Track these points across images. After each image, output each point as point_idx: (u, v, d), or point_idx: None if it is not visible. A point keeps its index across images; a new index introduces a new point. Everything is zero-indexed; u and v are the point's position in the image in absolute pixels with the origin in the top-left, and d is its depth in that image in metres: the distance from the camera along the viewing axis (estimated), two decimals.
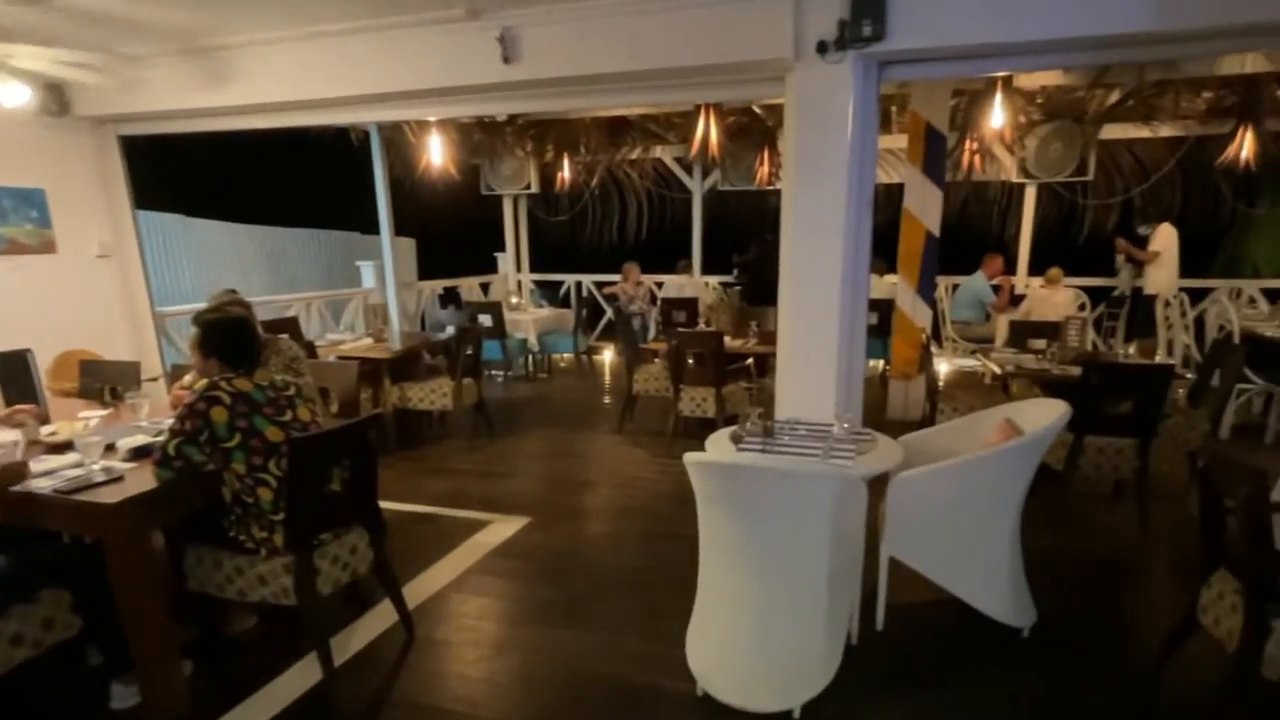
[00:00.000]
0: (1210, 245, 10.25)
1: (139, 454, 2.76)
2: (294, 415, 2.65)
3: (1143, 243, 7.34)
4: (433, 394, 5.54)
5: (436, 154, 7.81)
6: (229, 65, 4.70)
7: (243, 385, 2.56)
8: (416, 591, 3.41)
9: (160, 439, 2.57)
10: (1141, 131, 7.31)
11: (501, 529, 4.15)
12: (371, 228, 7.54)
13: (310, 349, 5.17)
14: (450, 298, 8.91)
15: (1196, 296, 7.19)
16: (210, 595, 2.71)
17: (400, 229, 7.56)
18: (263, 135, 5.35)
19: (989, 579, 2.94)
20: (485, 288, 9.85)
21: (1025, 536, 3.02)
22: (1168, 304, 7.01)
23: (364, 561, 2.88)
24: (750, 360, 5.88)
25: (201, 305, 3.27)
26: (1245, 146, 6.60)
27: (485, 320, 7.44)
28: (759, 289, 8.04)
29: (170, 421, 2.61)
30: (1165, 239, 7.14)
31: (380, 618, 3.16)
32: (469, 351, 5.57)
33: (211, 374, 2.62)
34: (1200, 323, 7.04)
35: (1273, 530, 2.18)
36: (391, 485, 4.65)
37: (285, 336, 3.95)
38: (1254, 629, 2.16)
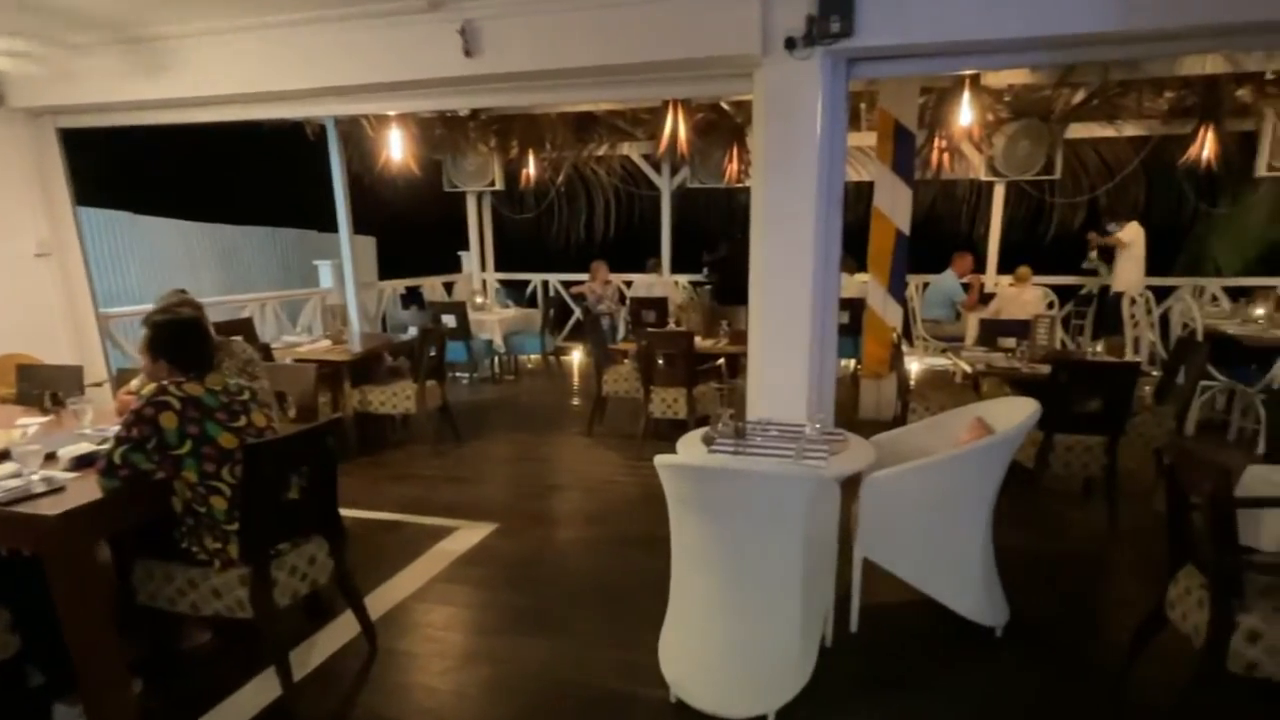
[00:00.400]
0: (1173, 244, 10.57)
1: (82, 463, 2.68)
2: (248, 421, 2.60)
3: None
4: (395, 397, 5.47)
5: (397, 149, 7.72)
6: (175, 56, 4.58)
7: (193, 389, 2.49)
8: (380, 602, 3.36)
9: (105, 447, 2.50)
10: (1106, 131, 7.52)
11: (468, 535, 4.11)
12: (329, 225, 7.43)
13: (266, 351, 5.06)
14: (412, 298, 8.82)
15: (1161, 295, 7.41)
16: (161, 610, 2.64)
17: (360, 227, 7.46)
18: (214, 129, 5.23)
19: (962, 578, 2.99)
20: (449, 287, 9.76)
21: (997, 535, 3.07)
22: (1134, 302, 7.20)
23: (324, 572, 2.83)
24: (721, 360, 5.91)
25: (149, 307, 3.18)
26: (1206, 146, 6.81)
27: (449, 321, 7.37)
28: (729, 288, 8.07)
29: (116, 428, 2.54)
30: (1133, 232, 7.34)
31: (342, 630, 3.10)
32: (432, 353, 5.51)
33: (160, 378, 2.55)
34: (1165, 320, 7.25)
35: (1236, 526, 2.25)
36: (353, 492, 4.58)
37: (239, 339, 3.87)
38: (1220, 623, 2.22)
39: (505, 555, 3.91)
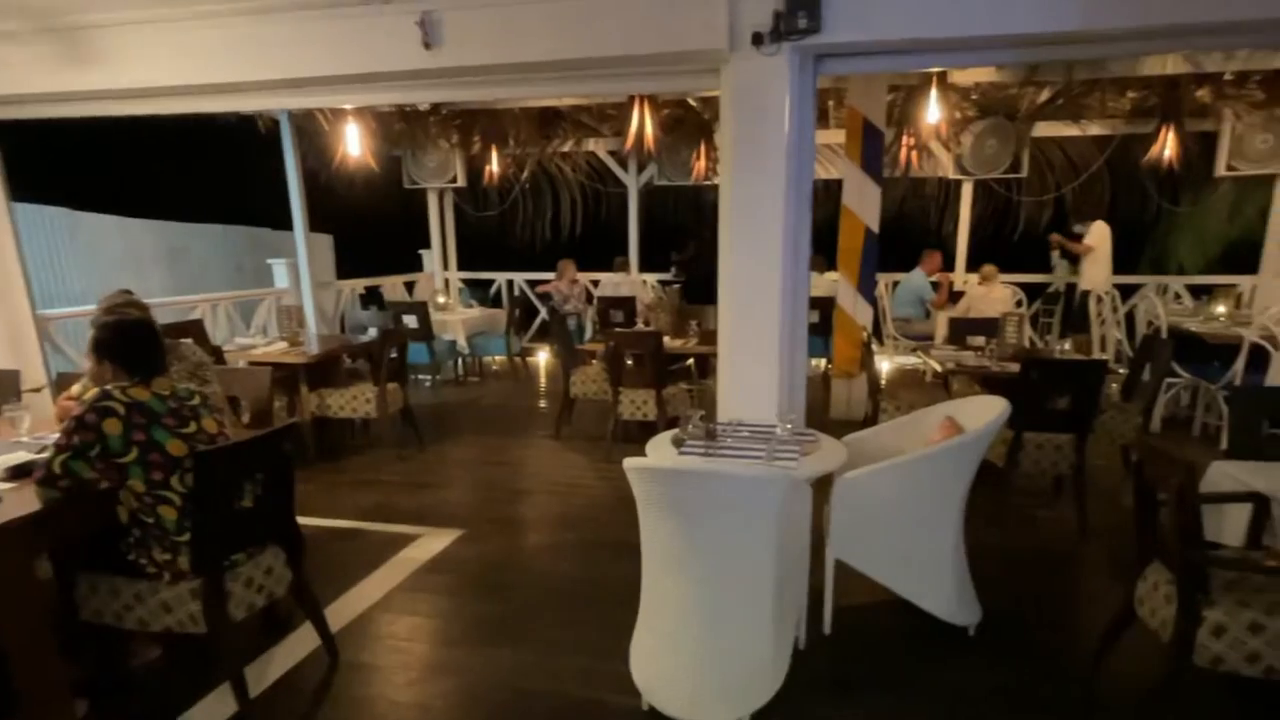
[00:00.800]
0: (1138, 242, 10.88)
1: (19, 473, 2.59)
2: (199, 427, 2.54)
3: (1078, 240, 7.73)
4: (354, 401, 5.41)
5: (354, 144, 7.61)
6: (111, 45, 4.42)
7: (139, 394, 2.43)
8: (340, 612, 3.31)
9: (44, 455, 2.42)
10: (1071, 130, 7.71)
11: (432, 543, 4.07)
12: (284, 223, 7.30)
13: (217, 354, 4.98)
14: (372, 298, 8.70)
15: (1127, 293, 7.62)
16: (107, 626, 2.57)
17: (316, 224, 7.35)
18: (160, 122, 5.09)
19: (934, 578, 3.04)
20: (410, 287, 9.65)
21: (968, 534, 3.12)
22: (1100, 300, 7.39)
23: (281, 582, 2.79)
24: (691, 361, 5.93)
25: (91, 308, 3.10)
26: (1167, 146, 7.01)
27: (410, 321, 7.31)
28: (698, 287, 8.11)
29: (55, 436, 2.46)
30: (1099, 234, 7.53)
31: (301, 642, 3.05)
32: (393, 355, 5.45)
33: (105, 381, 2.48)
34: (1131, 318, 7.45)
35: (1201, 522, 2.31)
36: (311, 499, 4.54)
37: (189, 341, 3.79)
38: (1186, 619, 2.29)
39: (471, 562, 3.88)
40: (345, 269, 8.85)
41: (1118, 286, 7.48)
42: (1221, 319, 6.34)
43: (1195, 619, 2.27)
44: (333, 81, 4.40)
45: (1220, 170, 7.19)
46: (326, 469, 5.34)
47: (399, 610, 3.39)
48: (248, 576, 2.63)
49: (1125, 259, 8.32)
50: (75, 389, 3.36)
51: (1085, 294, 7.55)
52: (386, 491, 4.92)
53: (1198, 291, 7.77)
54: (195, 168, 12.60)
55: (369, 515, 4.47)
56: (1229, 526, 2.75)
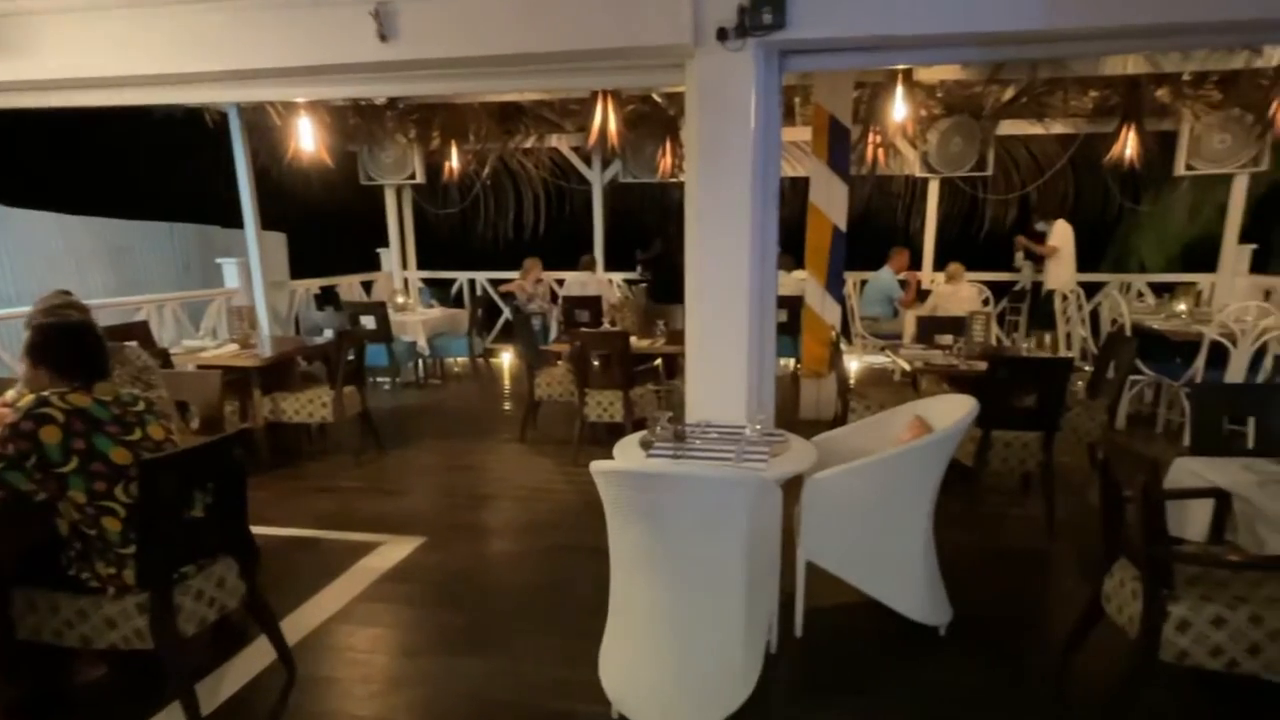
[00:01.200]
0: (1101, 240, 11.18)
1: None
2: (144, 434, 2.47)
3: (1041, 239, 7.92)
4: (310, 405, 5.32)
5: (307, 139, 7.48)
6: (37, 32, 4.28)
7: (79, 400, 2.35)
8: (297, 625, 3.25)
9: None
10: (1035, 128, 7.89)
11: (393, 551, 4.02)
12: (234, 220, 7.16)
13: (164, 357, 4.86)
14: (328, 298, 8.57)
15: (1091, 291, 7.82)
16: (47, 644, 2.48)
17: (268, 222, 7.21)
18: (100, 114, 4.95)
19: (905, 579, 3.08)
20: (367, 287, 9.54)
21: (938, 533, 3.17)
22: (1065, 298, 7.57)
23: (234, 595, 2.73)
24: (658, 361, 5.94)
25: (27, 309, 3.00)
26: (1129, 145, 7.21)
27: (368, 322, 7.22)
28: (665, 286, 8.14)
29: None
30: (1062, 235, 7.73)
31: (256, 657, 2.98)
32: (350, 357, 5.39)
33: (42, 387, 2.40)
34: (1095, 316, 7.65)
35: (1165, 518, 2.38)
36: (266, 508, 4.46)
37: (133, 344, 3.69)
38: (1152, 614, 2.34)
39: (434, 570, 3.84)
40: (299, 268, 8.72)
41: (1082, 284, 7.67)
42: (1182, 316, 6.54)
43: (1160, 614, 2.33)
44: (282, 74, 4.32)
45: (1180, 169, 7.42)
46: (282, 476, 5.25)
47: (359, 621, 3.34)
48: (198, 589, 2.57)
49: (1089, 257, 8.54)
50: (9, 395, 3.24)
51: (1051, 292, 7.73)
52: (345, 498, 4.85)
53: (1160, 289, 8.01)
54: (138, 162, 12.27)
55: (327, 523, 4.40)
56: (1192, 522, 2.83)
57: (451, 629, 3.28)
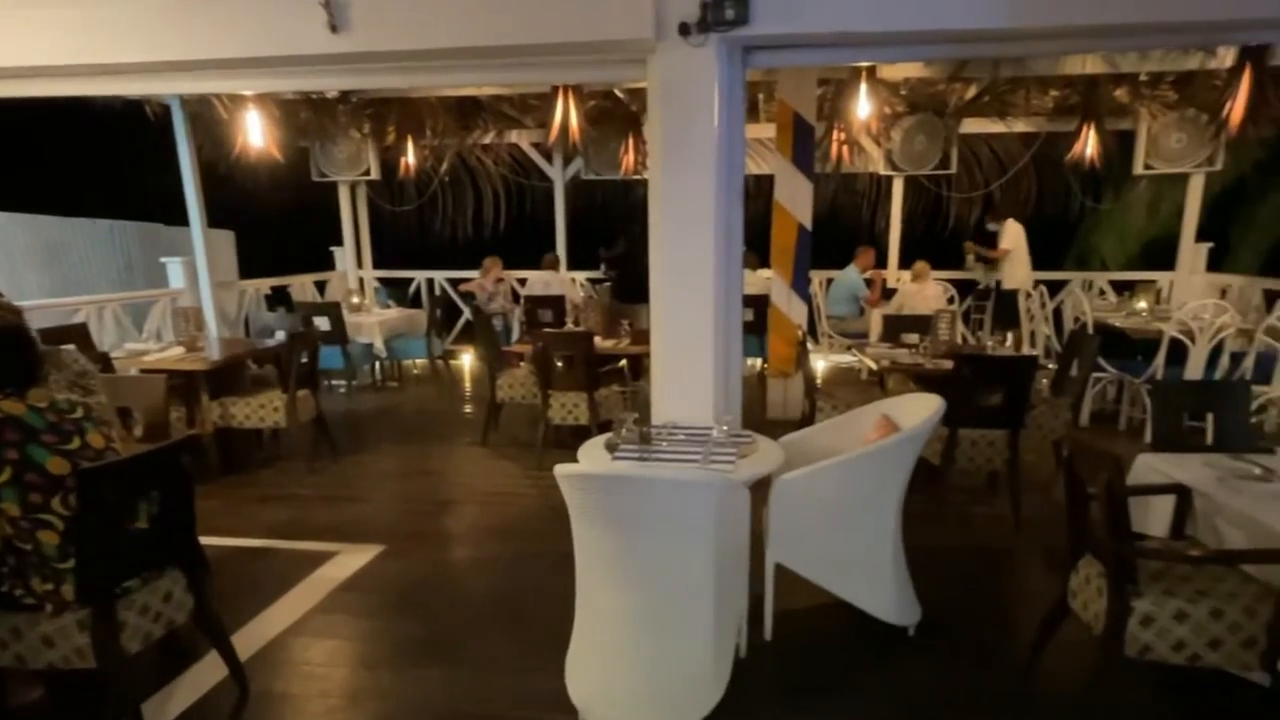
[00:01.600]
0: (1063, 238, 11.46)
1: None
2: (83, 442, 2.40)
3: (992, 239, 8.10)
4: (261, 410, 5.23)
5: (256, 134, 7.33)
6: None
7: (12, 408, 2.28)
8: (250, 639, 3.19)
9: None
10: (998, 126, 8.06)
11: (350, 560, 3.96)
12: (179, 218, 6.98)
13: (104, 361, 4.73)
14: (279, 298, 8.43)
15: (1054, 289, 8.00)
16: None
17: (215, 219, 7.06)
18: (33, 105, 4.78)
19: (873, 579, 3.12)
20: (321, 287, 9.39)
21: (906, 533, 3.22)
22: (1028, 295, 7.74)
23: (182, 609, 2.67)
24: (623, 362, 5.93)
25: None
26: (1089, 144, 7.41)
27: (322, 324, 7.14)
28: (630, 285, 8.14)
29: None
30: (1014, 235, 7.92)
31: (206, 673, 2.92)
32: (304, 359, 5.30)
33: None
34: (1059, 314, 7.84)
35: (1129, 514, 2.44)
36: (216, 517, 4.38)
37: (70, 348, 3.55)
38: (1116, 610, 2.41)
39: (393, 579, 3.79)
40: (249, 268, 8.55)
41: (1045, 283, 7.85)
42: (1143, 314, 6.73)
43: (1125, 610, 2.39)
44: (227, 65, 4.21)
45: (1139, 168, 7.63)
46: (232, 484, 5.15)
47: (315, 633, 3.29)
48: (143, 604, 2.50)
49: (1051, 255, 8.75)
50: None
51: (1013, 291, 7.89)
52: (299, 506, 4.77)
53: (1121, 287, 8.24)
54: (74, 158, 11.92)
55: (280, 532, 4.33)
56: (1155, 518, 2.91)
57: (411, 640, 3.24)
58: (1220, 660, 2.38)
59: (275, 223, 10.69)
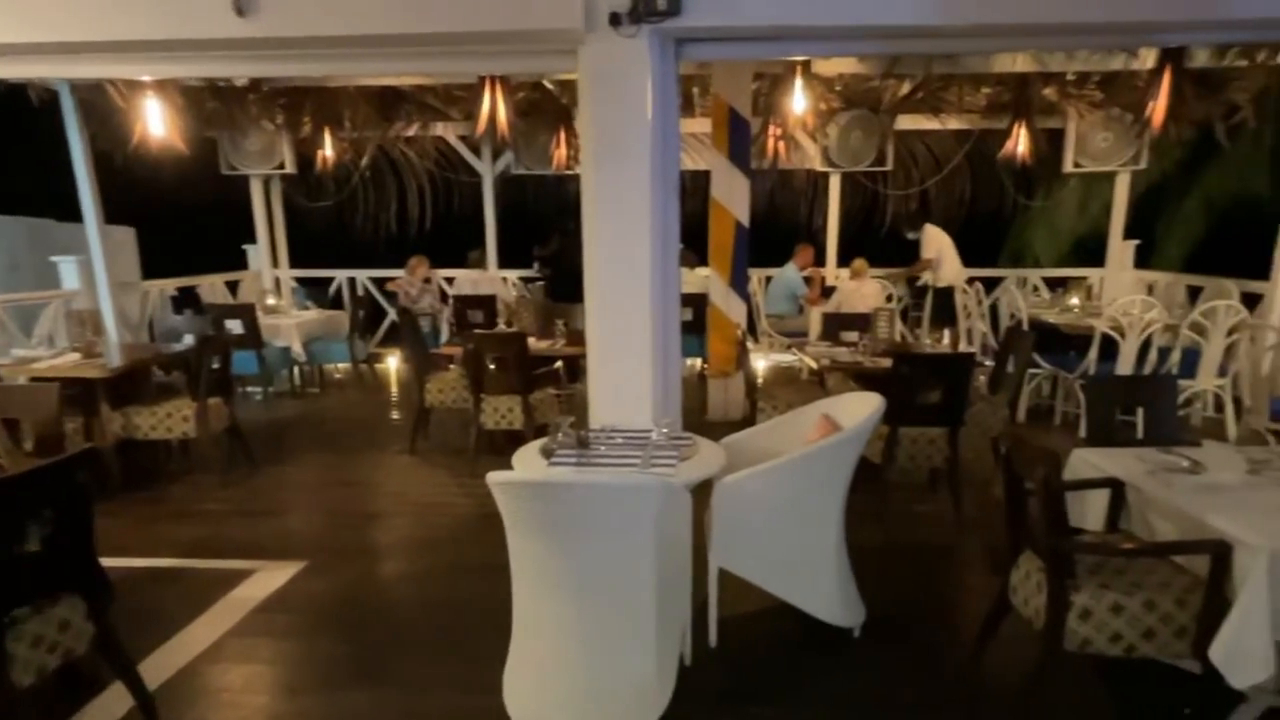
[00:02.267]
0: (998, 235, 11.91)
1: None
2: None
3: (914, 246, 8.39)
4: (169, 419, 5.06)
5: (156, 123, 7.04)
6: None
7: None
8: (160, 666, 3.07)
9: None
10: (932, 124, 8.32)
11: (269, 578, 3.86)
12: (72, 213, 6.66)
13: None
14: (187, 300, 8.15)
15: (990, 285, 8.30)
16: None
17: (114, 215, 6.76)
18: None
19: (818, 581, 3.18)
20: (233, 287, 9.10)
21: (849, 533, 3.29)
22: (964, 292, 8.00)
23: (81, 638, 2.55)
24: (559, 363, 5.91)
25: None
26: (1021, 142, 7.70)
27: (234, 326, 6.96)
28: (564, 284, 8.12)
29: None
30: (935, 240, 8.21)
31: (111, 705, 2.81)
32: (215, 365, 5.14)
33: None
34: (995, 311, 8.14)
35: (1066, 509, 2.55)
36: (120, 536, 4.24)
37: None
38: (1056, 605, 2.51)
39: (317, 597, 3.71)
40: (153, 267, 8.24)
41: (980, 279, 8.13)
42: (1075, 310, 7.04)
43: (1064, 604, 2.49)
44: (120, 48, 4.05)
45: (1068, 166, 7.98)
46: (138, 500, 4.96)
47: (232, 658, 3.19)
48: (36, 634, 2.39)
49: (987, 252, 9.08)
50: None
51: (948, 289, 8.15)
52: (212, 522, 4.63)
53: (1054, 284, 8.60)
54: None
55: (192, 551, 4.20)
56: (1090, 512, 3.05)
57: (338, 660, 3.17)
58: (1154, 650, 2.50)
59: (182, 219, 10.31)
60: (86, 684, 2.89)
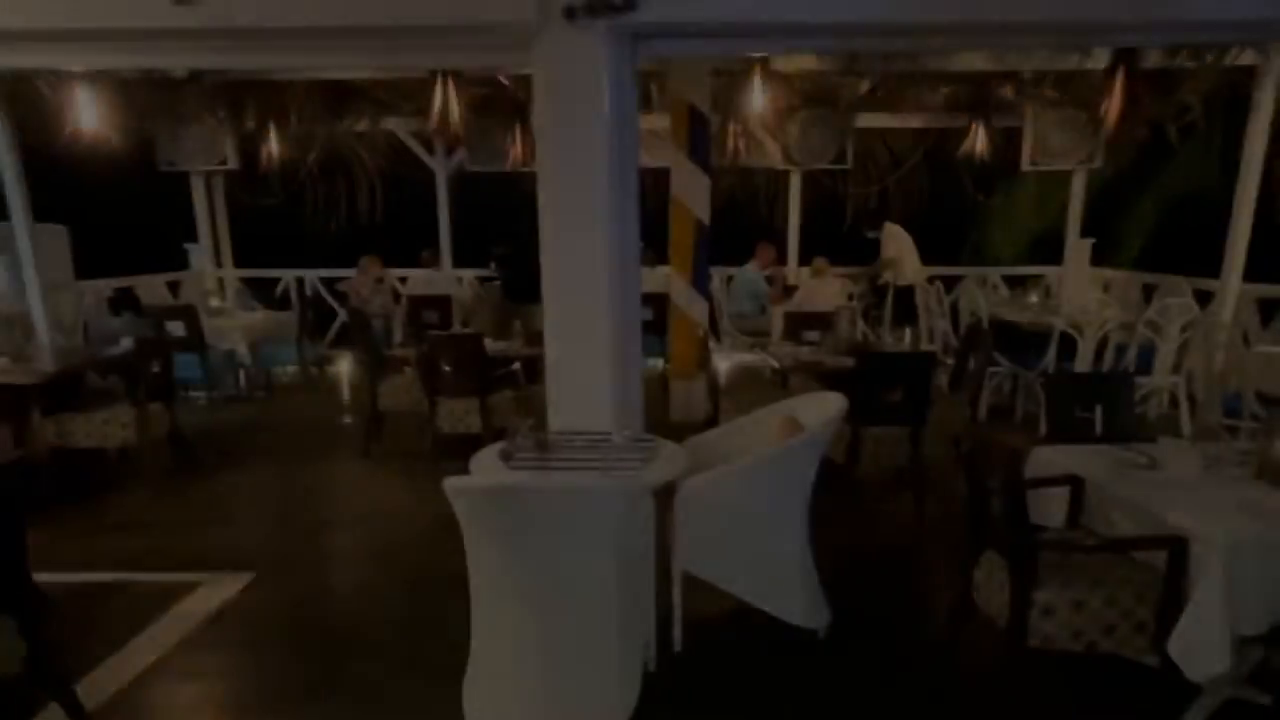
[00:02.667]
0: (957, 233, 12.14)
1: None
2: None
3: (874, 246, 8.53)
4: (106, 426, 4.96)
5: (89, 115, 6.85)
6: None
7: None
8: (101, 685, 3.00)
9: None
10: (891, 121, 8.46)
11: (215, 591, 3.79)
12: None
13: None
14: (125, 302, 7.93)
15: (950, 284, 8.46)
16: None
17: (43, 213, 6.55)
18: None
19: (782, 583, 3.21)
20: (174, 288, 8.89)
21: (813, 534, 3.33)
22: (926, 290, 8.14)
23: (12, 659, 2.49)
24: (517, 365, 5.89)
25: None
26: (978, 140, 7.88)
27: (175, 329, 6.89)
28: (521, 283, 8.05)
29: None
30: (895, 239, 8.35)
31: None
32: (155, 369, 5.06)
33: None
34: (955, 309, 8.29)
35: (1027, 506, 2.61)
36: (55, 550, 4.11)
37: None
38: (1018, 602, 2.57)
39: (266, 610, 3.65)
40: (88, 267, 8.00)
41: (940, 278, 8.28)
42: (1034, 308, 7.21)
43: (1027, 601, 2.56)
44: (44, 37, 3.92)
45: (1025, 164, 8.17)
46: (74, 511, 4.83)
47: (177, 675, 3.13)
48: None
49: (946, 249, 9.25)
50: None
51: (909, 287, 8.30)
52: (155, 534, 4.53)
53: (1013, 282, 8.79)
54: None
55: (133, 564, 4.10)
56: (1051, 509, 3.12)
57: (289, 676, 3.13)
58: (1115, 646, 2.58)
59: (119, 217, 10.03)
60: (21, 706, 2.80)
